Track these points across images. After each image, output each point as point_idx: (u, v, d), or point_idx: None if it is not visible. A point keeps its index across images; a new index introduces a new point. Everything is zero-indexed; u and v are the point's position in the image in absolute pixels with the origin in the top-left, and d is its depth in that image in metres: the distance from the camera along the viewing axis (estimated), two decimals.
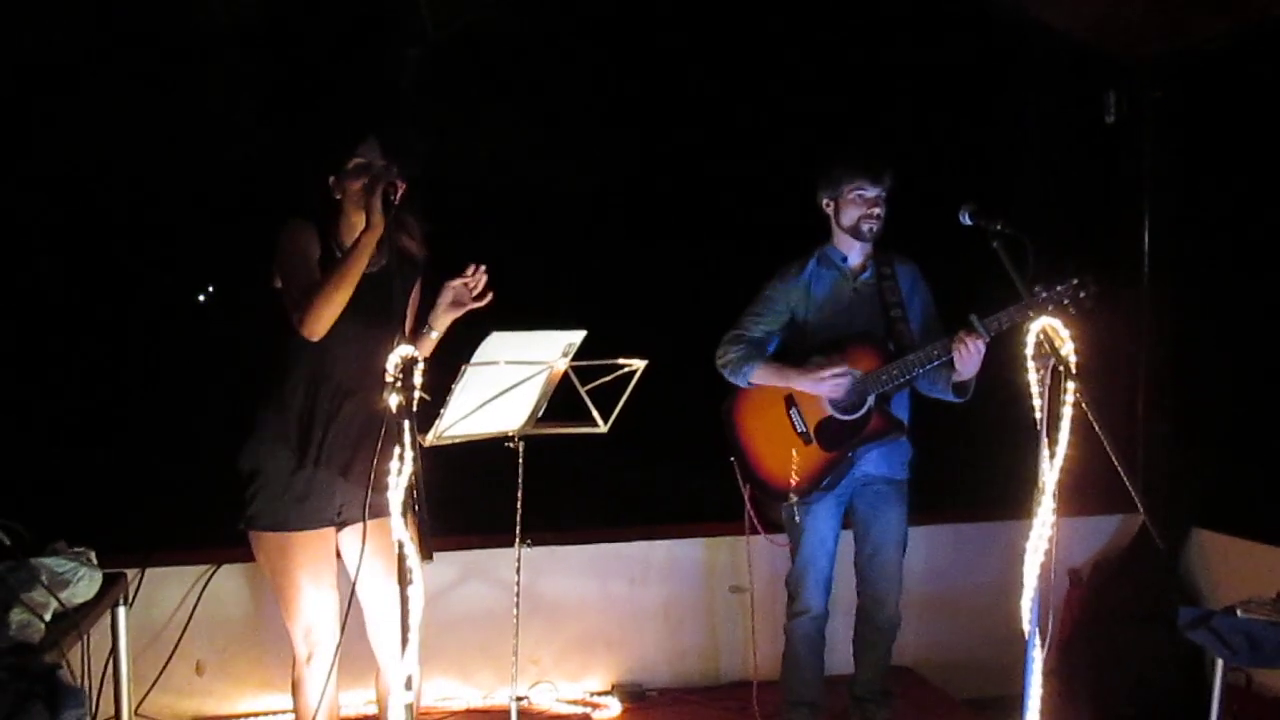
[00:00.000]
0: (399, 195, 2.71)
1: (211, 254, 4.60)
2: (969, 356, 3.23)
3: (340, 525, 2.94)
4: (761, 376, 3.48)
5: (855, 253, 3.53)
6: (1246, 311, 4.21)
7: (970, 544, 4.44)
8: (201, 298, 5.38)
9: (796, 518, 3.49)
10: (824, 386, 3.40)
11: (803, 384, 3.44)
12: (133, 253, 4.51)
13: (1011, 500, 3.82)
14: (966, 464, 4.52)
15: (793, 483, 3.44)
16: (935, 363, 3.31)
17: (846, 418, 3.43)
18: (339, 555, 3.02)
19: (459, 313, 2.93)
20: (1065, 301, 3.04)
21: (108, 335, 4.54)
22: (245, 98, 4.26)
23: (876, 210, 3.43)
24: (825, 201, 3.53)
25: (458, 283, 2.90)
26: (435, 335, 2.93)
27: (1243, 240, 4.26)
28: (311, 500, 2.88)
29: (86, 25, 3.88)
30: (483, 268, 2.90)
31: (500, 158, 4.22)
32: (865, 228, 3.45)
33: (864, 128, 4.64)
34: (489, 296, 2.90)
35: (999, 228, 2.81)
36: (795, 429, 3.48)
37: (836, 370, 3.37)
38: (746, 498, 3.58)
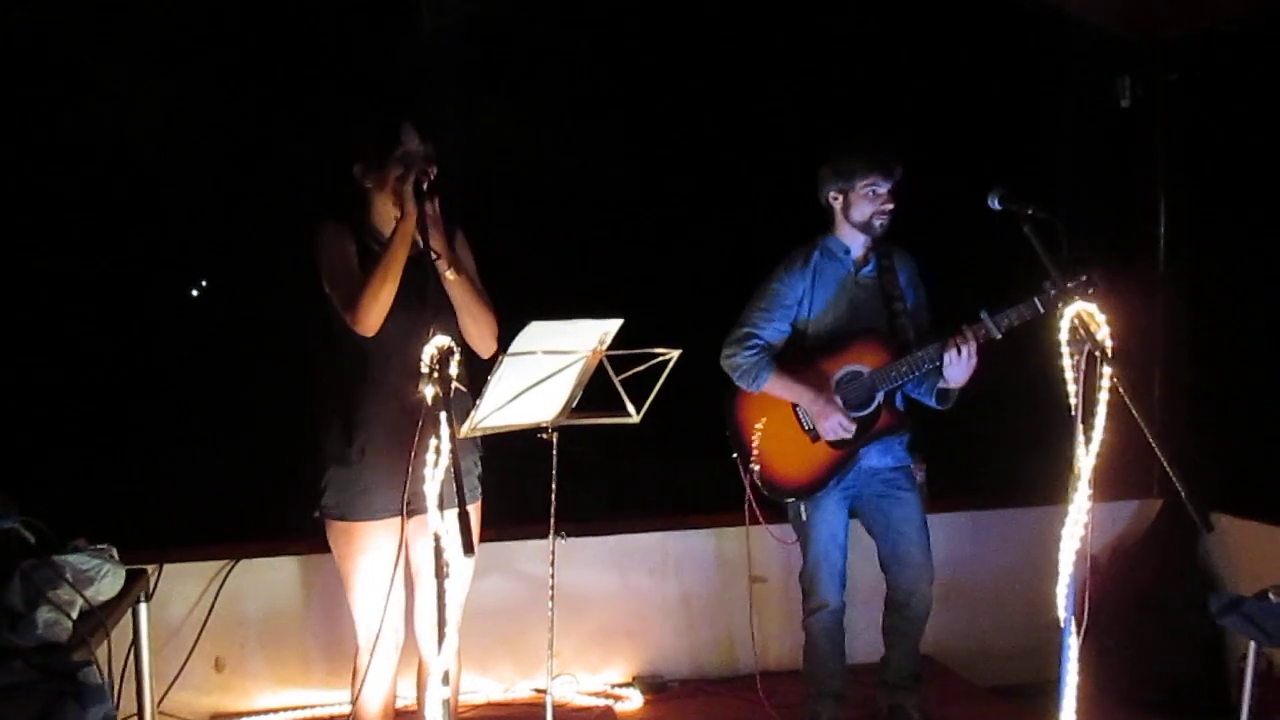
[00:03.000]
0: (430, 182, 2.67)
1: (219, 248, 4.54)
2: (961, 360, 3.20)
3: (410, 515, 2.90)
4: (773, 386, 3.43)
5: (858, 245, 3.49)
6: (1263, 295, 4.21)
7: (988, 531, 4.42)
8: (195, 292, 5.34)
9: (804, 515, 3.45)
10: (826, 426, 3.37)
11: (810, 407, 3.40)
12: (148, 248, 4.45)
13: (1037, 487, 3.83)
14: (992, 452, 4.50)
15: (798, 481, 3.42)
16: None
17: (854, 415, 3.39)
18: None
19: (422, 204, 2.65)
20: (1075, 297, 2.98)
21: (124, 331, 4.49)
22: (250, 89, 4.21)
23: (889, 206, 3.39)
24: (832, 195, 3.47)
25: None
26: (443, 262, 2.72)
27: (1259, 224, 4.26)
28: (376, 491, 2.87)
29: (92, 10, 3.82)
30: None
31: (518, 151, 4.17)
32: (877, 223, 3.40)
33: (874, 117, 4.59)
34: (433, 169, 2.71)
35: (1030, 212, 2.77)
36: (802, 426, 3.44)
37: (845, 420, 3.34)
38: (747, 486, 3.51)
